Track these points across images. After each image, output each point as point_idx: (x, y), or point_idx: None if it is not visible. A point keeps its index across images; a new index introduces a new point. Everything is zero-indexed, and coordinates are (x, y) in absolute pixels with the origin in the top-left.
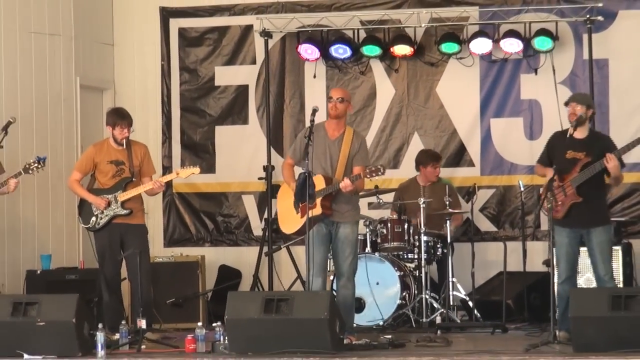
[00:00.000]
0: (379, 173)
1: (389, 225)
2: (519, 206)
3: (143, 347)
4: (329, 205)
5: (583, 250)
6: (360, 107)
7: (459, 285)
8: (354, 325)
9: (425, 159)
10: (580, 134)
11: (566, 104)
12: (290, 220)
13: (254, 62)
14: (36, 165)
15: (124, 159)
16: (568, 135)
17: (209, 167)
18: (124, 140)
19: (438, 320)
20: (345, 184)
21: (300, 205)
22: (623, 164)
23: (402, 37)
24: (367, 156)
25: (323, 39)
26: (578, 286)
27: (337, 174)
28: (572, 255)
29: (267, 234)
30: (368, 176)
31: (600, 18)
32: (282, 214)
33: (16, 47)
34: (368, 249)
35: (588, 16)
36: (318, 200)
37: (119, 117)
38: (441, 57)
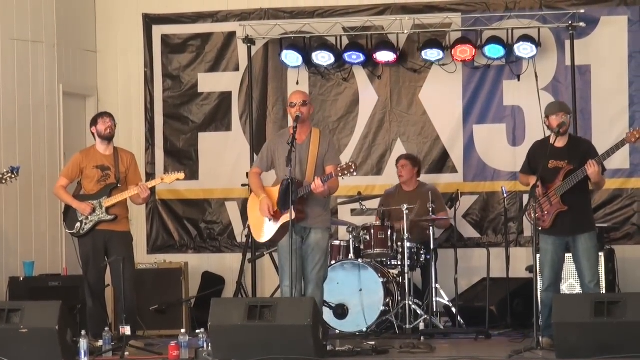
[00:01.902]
0: (351, 170)
1: (372, 231)
2: (502, 212)
3: (126, 353)
4: (302, 209)
5: (566, 256)
6: (343, 113)
7: (442, 292)
8: (337, 331)
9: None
10: (561, 142)
11: (552, 114)
12: (262, 229)
13: (237, 68)
14: (9, 175)
15: (110, 164)
16: (549, 144)
17: (192, 173)
18: (109, 131)
19: (421, 326)
20: (317, 185)
21: (283, 212)
22: (604, 169)
23: (384, 44)
24: (337, 155)
25: (306, 46)
26: (561, 293)
27: (307, 176)
28: (557, 263)
29: (250, 240)
30: (340, 175)
31: (582, 24)
32: (254, 223)
33: None
34: (351, 255)
35: (570, 22)
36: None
37: (99, 114)
38: (424, 63)
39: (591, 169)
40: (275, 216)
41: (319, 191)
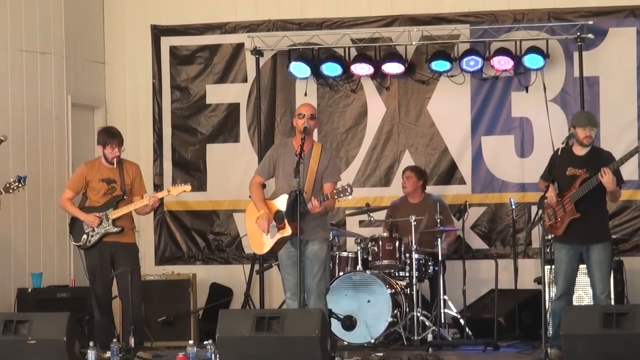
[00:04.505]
0: (346, 193)
1: (380, 243)
2: (510, 224)
3: None
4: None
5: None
6: (351, 125)
7: (450, 303)
8: (345, 343)
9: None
10: (582, 151)
11: (580, 126)
12: (260, 240)
13: (245, 80)
14: (17, 184)
15: (115, 177)
16: (567, 152)
17: (200, 185)
18: (115, 159)
19: (429, 338)
20: (314, 205)
21: (290, 224)
22: (621, 180)
23: (393, 55)
24: (337, 171)
25: (314, 57)
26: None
27: (305, 191)
28: (571, 273)
29: None
30: (335, 197)
31: (590, 36)
32: (251, 234)
33: (7, 66)
34: (359, 266)
35: (578, 34)
36: (287, 221)
37: (109, 136)
38: (432, 75)
39: (605, 177)
40: (272, 231)
41: (315, 211)
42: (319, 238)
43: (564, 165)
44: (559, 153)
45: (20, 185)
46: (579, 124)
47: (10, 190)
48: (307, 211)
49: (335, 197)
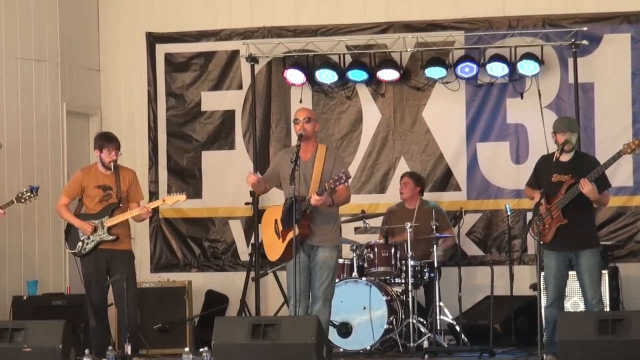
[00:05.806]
0: (342, 180)
1: (375, 249)
2: (506, 230)
3: None
4: (307, 224)
5: (570, 273)
6: (347, 131)
7: (446, 310)
8: (341, 350)
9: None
10: (566, 157)
11: (559, 132)
12: (273, 247)
13: (240, 87)
14: (29, 194)
15: (111, 184)
16: (554, 159)
17: (195, 192)
18: (112, 164)
19: (425, 344)
20: (315, 199)
21: (287, 229)
22: (607, 184)
23: (388, 62)
24: (345, 168)
25: (309, 64)
26: (565, 310)
27: (311, 193)
28: (561, 279)
29: (253, 259)
30: (332, 185)
31: (585, 42)
32: (266, 241)
33: (2, 73)
34: (355, 273)
35: (573, 40)
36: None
37: (106, 140)
38: (427, 81)
39: (585, 188)
40: (282, 235)
41: (319, 203)
42: (329, 245)
43: (550, 172)
44: (544, 160)
45: (32, 195)
46: (558, 130)
47: (22, 200)
48: (316, 211)
49: (333, 186)
